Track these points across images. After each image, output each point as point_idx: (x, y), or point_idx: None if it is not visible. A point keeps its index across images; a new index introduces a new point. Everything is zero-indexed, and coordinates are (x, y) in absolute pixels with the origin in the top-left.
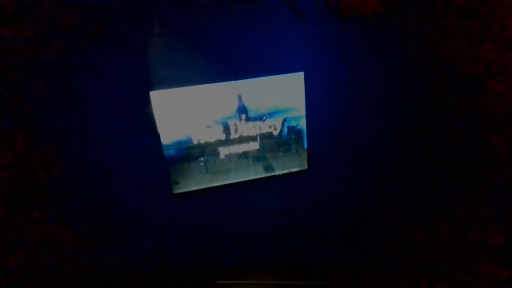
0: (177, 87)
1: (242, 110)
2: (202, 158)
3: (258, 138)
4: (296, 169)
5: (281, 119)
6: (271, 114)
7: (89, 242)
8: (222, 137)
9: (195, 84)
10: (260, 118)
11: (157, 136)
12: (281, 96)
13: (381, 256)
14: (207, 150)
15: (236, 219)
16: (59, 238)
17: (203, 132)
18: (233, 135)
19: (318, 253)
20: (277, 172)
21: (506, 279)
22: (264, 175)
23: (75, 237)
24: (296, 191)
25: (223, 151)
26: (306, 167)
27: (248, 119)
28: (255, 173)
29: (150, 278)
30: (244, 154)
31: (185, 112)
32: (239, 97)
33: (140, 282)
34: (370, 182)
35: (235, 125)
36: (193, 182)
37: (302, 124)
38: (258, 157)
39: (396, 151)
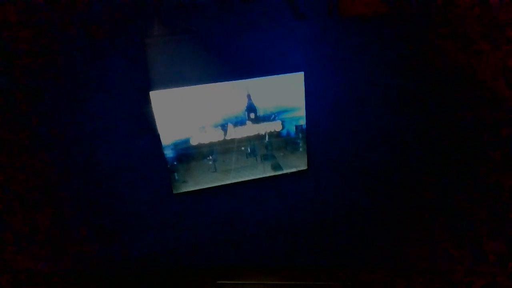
0: (177, 87)
1: (251, 109)
2: (211, 157)
3: (267, 137)
4: (304, 168)
5: (288, 118)
6: (279, 113)
7: (89, 242)
8: (230, 136)
9: (194, 84)
10: (268, 117)
11: (157, 136)
12: (284, 96)
13: (381, 256)
14: (216, 149)
15: (237, 219)
16: (59, 238)
17: (208, 132)
18: (241, 134)
19: (318, 253)
20: (285, 171)
21: (505, 280)
22: (272, 173)
23: (74, 237)
24: (296, 191)
25: (231, 150)
26: (306, 167)
27: (256, 118)
28: (263, 171)
29: (150, 278)
30: (253, 153)
31: (187, 112)
32: (248, 96)
33: (140, 282)
34: (370, 182)
35: (242, 124)
36: (202, 181)
37: None
38: (267, 156)
39: (396, 150)
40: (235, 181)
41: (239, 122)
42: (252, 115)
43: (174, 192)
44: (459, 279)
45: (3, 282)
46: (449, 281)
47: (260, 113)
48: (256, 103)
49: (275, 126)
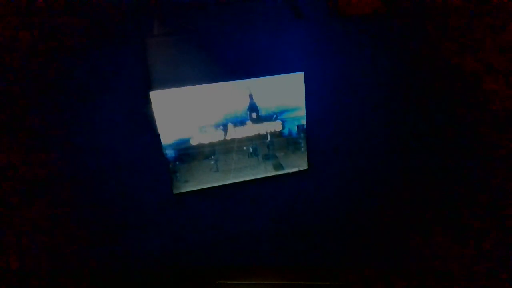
0: (177, 87)
1: (252, 108)
2: (212, 157)
3: (268, 137)
4: (305, 168)
5: (289, 118)
6: (280, 113)
7: (89, 242)
8: (231, 136)
9: (194, 84)
10: (270, 117)
11: (157, 136)
12: (284, 96)
13: (381, 256)
14: (217, 149)
15: (237, 219)
16: (59, 238)
17: (209, 132)
18: (242, 134)
19: (318, 253)
20: (287, 171)
21: (505, 280)
22: (273, 173)
23: (74, 237)
24: (296, 191)
25: (233, 150)
26: (306, 167)
27: (258, 117)
28: (265, 171)
29: (150, 278)
30: (255, 153)
31: (188, 112)
32: (250, 96)
33: (140, 282)
34: (370, 182)
35: (243, 124)
36: (203, 181)
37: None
38: (268, 156)
39: (396, 151)
40: (237, 181)
41: (240, 122)
42: (254, 115)
43: (175, 192)
44: (459, 279)
45: (3, 282)
46: (448, 281)
47: (262, 112)
48: (257, 103)
49: (276, 126)
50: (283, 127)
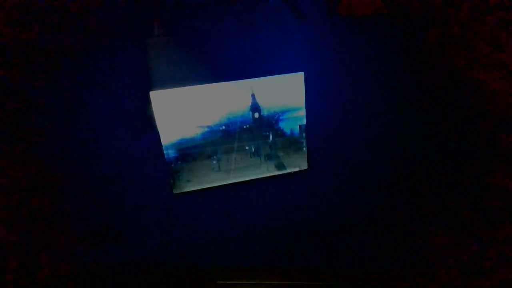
0: (178, 87)
1: (255, 108)
2: (215, 156)
3: (271, 137)
4: (306, 168)
5: (291, 118)
6: (282, 113)
7: (89, 242)
8: (233, 135)
9: (194, 84)
10: (272, 116)
11: (157, 137)
12: (285, 96)
13: (381, 256)
14: (219, 149)
15: (238, 219)
16: (59, 238)
17: (210, 132)
18: (244, 134)
19: (318, 253)
20: (289, 170)
21: (505, 280)
22: (275, 173)
23: (74, 237)
24: (297, 191)
25: (235, 150)
26: (306, 167)
27: (260, 117)
28: (267, 170)
29: (150, 278)
30: (257, 152)
31: (188, 112)
32: (253, 96)
33: (140, 282)
34: (370, 182)
35: (245, 124)
36: (205, 180)
37: None
38: (270, 155)
39: (395, 151)
40: (238, 181)
41: (242, 122)
42: (256, 115)
43: (174, 192)
44: (459, 279)
45: (3, 282)
46: (449, 281)
47: (264, 112)
48: (259, 103)
49: (278, 125)
50: (285, 127)
